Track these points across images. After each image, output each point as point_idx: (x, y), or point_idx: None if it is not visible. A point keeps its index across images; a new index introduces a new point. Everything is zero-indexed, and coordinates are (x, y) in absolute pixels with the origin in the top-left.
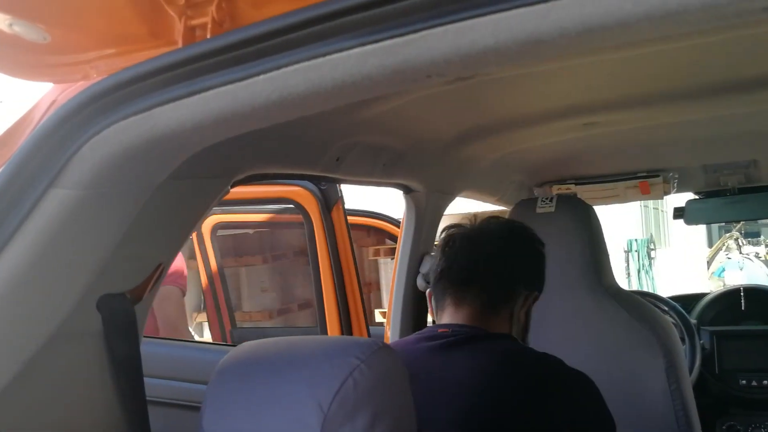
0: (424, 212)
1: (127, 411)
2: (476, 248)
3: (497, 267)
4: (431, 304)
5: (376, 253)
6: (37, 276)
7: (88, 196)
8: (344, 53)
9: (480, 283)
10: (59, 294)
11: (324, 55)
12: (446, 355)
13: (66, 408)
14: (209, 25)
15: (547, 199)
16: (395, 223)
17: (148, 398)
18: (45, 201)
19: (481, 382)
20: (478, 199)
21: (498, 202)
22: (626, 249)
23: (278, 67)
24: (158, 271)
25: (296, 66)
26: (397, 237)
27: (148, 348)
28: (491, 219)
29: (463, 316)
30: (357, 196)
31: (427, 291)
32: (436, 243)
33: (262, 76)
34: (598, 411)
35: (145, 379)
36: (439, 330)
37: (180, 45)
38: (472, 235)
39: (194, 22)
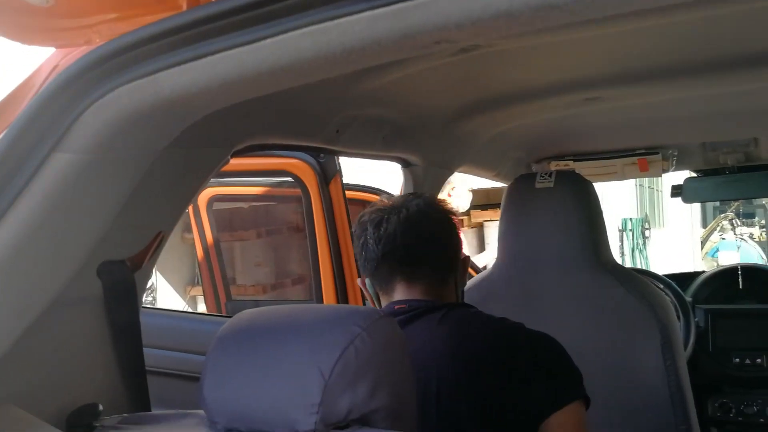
0: (422, 186)
1: (127, 377)
2: (416, 227)
3: (440, 242)
4: (367, 291)
5: None
6: (38, 241)
7: (90, 161)
8: (354, 17)
9: (428, 260)
10: (61, 259)
11: (333, 18)
12: (408, 329)
13: (67, 374)
14: None
15: (546, 174)
16: None
17: (146, 368)
18: (48, 165)
19: (446, 351)
20: (476, 174)
21: (496, 177)
22: (620, 228)
23: (285, 31)
24: (158, 240)
25: (304, 30)
26: None
27: (144, 318)
28: (411, 195)
29: (416, 292)
30: (354, 171)
31: (359, 279)
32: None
33: (269, 40)
34: (563, 364)
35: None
36: (396, 306)
37: (184, 8)
38: (407, 215)
39: None
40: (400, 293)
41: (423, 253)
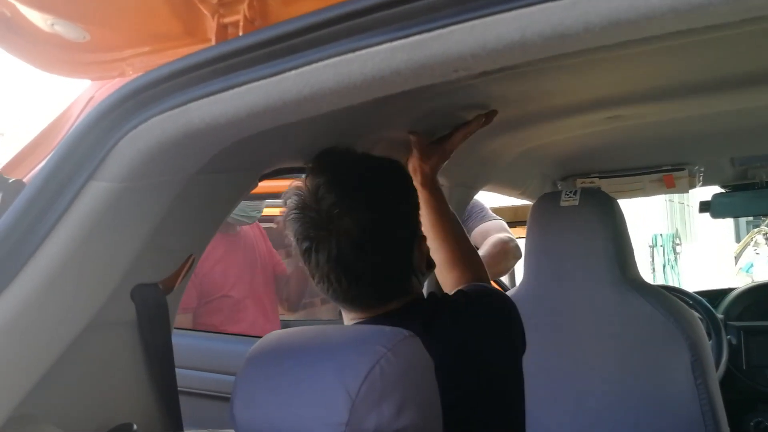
0: None
1: (160, 397)
2: (351, 267)
3: (383, 271)
4: None
5: None
6: (75, 266)
7: (124, 188)
8: (373, 49)
9: (366, 294)
10: (95, 283)
11: (353, 50)
12: None
13: (102, 394)
14: (241, 23)
15: (571, 192)
16: None
17: (178, 388)
18: (84, 194)
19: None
20: (501, 193)
21: (521, 195)
22: (651, 244)
23: (309, 63)
24: (189, 263)
25: (326, 62)
26: None
27: (175, 339)
28: (334, 201)
29: (362, 315)
30: None
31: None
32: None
33: (293, 72)
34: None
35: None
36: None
37: (213, 43)
38: (335, 251)
39: (227, 20)
40: (349, 317)
41: (362, 293)
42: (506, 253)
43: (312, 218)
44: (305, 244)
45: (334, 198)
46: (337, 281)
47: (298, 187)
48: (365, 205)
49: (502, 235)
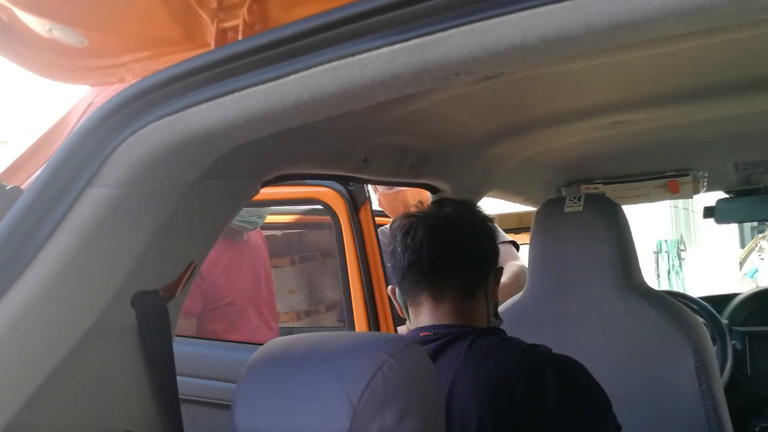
0: None
1: (161, 404)
2: (444, 236)
3: (469, 252)
4: (397, 301)
5: None
6: (74, 273)
7: (124, 195)
8: (373, 53)
9: (455, 271)
10: (95, 290)
11: (353, 54)
12: (435, 363)
13: (101, 403)
14: (241, 28)
15: (575, 198)
16: None
17: (179, 396)
18: (83, 200)
19: (473, 384)
20: (505, 199)
21: (525, 201)
22: (656, 250)
23: (308, 68)
24: (190, 270)
25: (326, 66)
26: None
27: (176, 347)
28: (444, 202)
29: (443, 312)
30: None
31: (389, 287)
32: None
33: (292, 76)
34: (590, 393)
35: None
36: (421, 334)
37: (212, 47)
38: (435, 223)
39: (226, 24)
40: (427, 311)
41: (450, 264)
42: (521, 284)
43: (416, 215)
44: (405, 228)
45: (439, 203)
46: (428, 246)
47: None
48: (465, 206)
49: (518, 266)
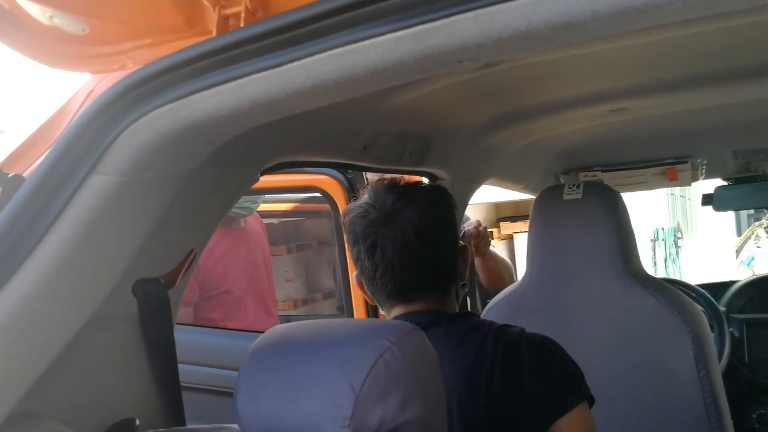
0: None
1: (163, 392)
2: (414, 253)
3: (441, 262)
4: (365, 292)
5: None
6: (76, 261)
7: (126, 182)
8: (376, 39)
9: (428, 282)
10: (97, 278)
11: (356, 41)
12: None
13: (104, 390)
14: (242, 14)
15: (574, 185)
16: None
17: (181, 384)
18: (85, 187)
19: (452, 366)
20: (504, 187)
21: (524, 189)
22: (653, 238)
23: (311, 54)
24: (191, 257)
25: (329, 53)
26: None
27: (178, 334)
28: (400, 200)
29: (416, 307)
30: None
31: (355, 277)
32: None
33: (295, 63)
34: (564, 367)
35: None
36: None
37: (214, 34)
38: (401, 238)
39: (228, 11)
40: (400, 309)
41: (423, 280)
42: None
43: (375, 217)
44: (369, 240)
45: (395, 197)
46: (401, 269)
47: (354, 202)
48: (425, 200)
49: (506, 261)
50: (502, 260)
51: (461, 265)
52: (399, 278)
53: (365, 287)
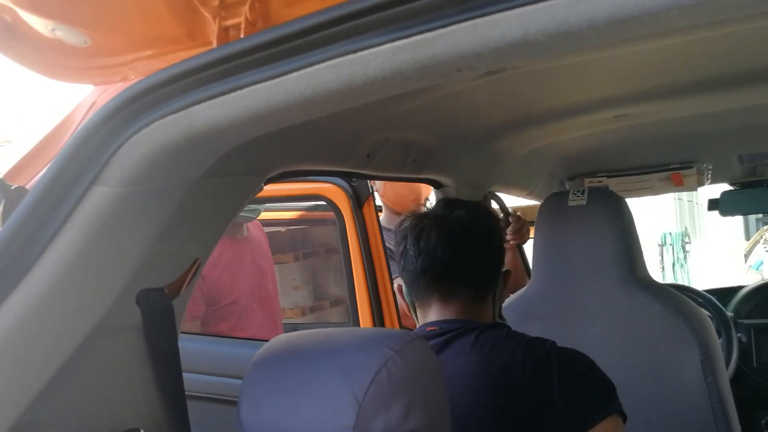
0: None
1: (167, 401)
2: (458, 242)
3: (481, 258)
4: (404, 299)
5: None
6: (80, 271)
7: (128, 193)
8: (375, 49)
9: (467, 277)
10: (100, 288)
11: (355, 51)
12: (441, 357)
13: (108, 400)
14: (243, 25)
15: (578, 191)
16: None
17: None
18: (87, 199)
19: (479, 377)
20: (509, 193)
21: (529, 196)
22: (660, 243)
23: (310, 65)
24: (195, 267)
25: (328, 63)
26: None
27: (182, 344)
28: (455, 203)
29: (450, 311)
30: None
31: (396, 284)
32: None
33: (295, 74)
34: (594, 380)
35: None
36: (428, 329)
37: (215, 45)
38: (448, 228)
39: (228, 22)
40: (435, 311)
41: (462, 272)
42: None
43: (427, 216)
44: (416, 231)
45: (447, 204)
46: (443, 254)
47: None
48: (476, 207)
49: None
50: (527, 261)
51: (502, 287)
52: (440, 264)
53: (405, 286)
